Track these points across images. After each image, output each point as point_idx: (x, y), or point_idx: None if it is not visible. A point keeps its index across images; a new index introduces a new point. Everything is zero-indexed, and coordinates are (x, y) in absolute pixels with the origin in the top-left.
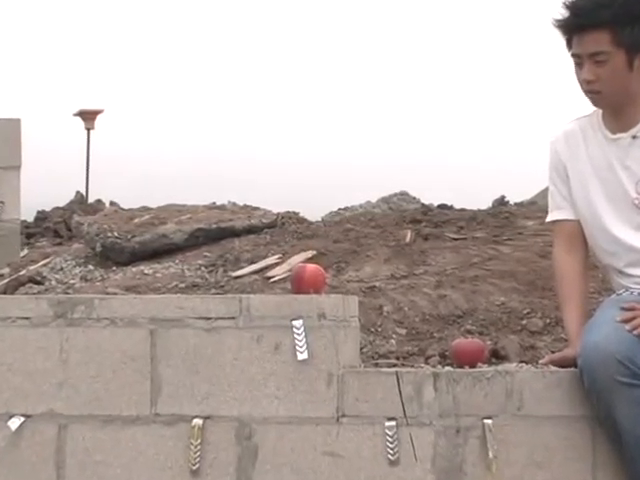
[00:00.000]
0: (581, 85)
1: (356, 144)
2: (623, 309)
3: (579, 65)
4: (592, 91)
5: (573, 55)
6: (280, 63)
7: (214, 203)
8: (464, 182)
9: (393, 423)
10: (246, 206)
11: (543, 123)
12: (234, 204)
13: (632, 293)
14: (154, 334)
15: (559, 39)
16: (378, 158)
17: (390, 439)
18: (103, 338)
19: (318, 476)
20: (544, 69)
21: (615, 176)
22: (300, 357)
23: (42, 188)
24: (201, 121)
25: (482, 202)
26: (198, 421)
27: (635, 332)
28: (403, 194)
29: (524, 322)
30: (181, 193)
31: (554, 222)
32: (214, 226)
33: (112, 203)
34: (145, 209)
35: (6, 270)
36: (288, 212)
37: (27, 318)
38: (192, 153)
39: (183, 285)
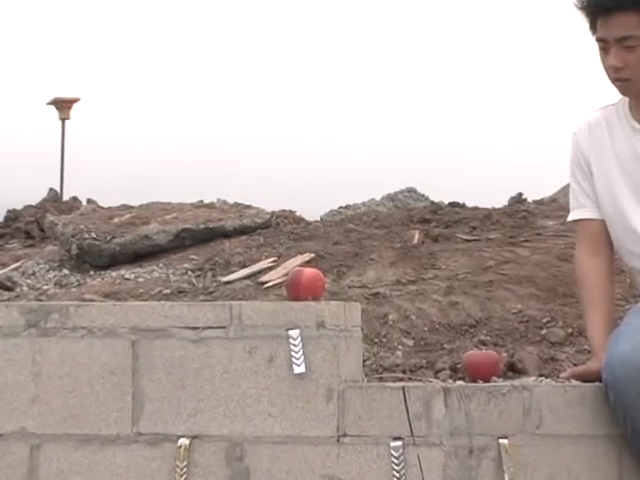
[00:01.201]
0: (607, 72)
1: (358, 135)
2: None
3: (605, 50)
4: (619, 79)
5: (598, 40)
6: (276, 52)
7: (202, 201)
8: (477, 178)
9: (399, 443)
10: (237, 204)
11: (565, 112)
12: (224, 202)
13: None
14: (136, 345)
15: (582, 21)
16: (383, 151)
17: (396, 461)
18: (79, 350)
19: None
20: (566, 53)
21: None
22: (297, 370)
23: (12, 184)
24: (188, 110)
25: (497, 200)
26: (184, 441)
27: None
28: (410, 191)
29: (544, 332)
30: (165, 190)
31: (576, 222)
32: (202, 226)
33: (89, 201)
34: (126, 207)
35: None
36: (283, 211)
37: None
38: (178, 146)
39: (168, 291)
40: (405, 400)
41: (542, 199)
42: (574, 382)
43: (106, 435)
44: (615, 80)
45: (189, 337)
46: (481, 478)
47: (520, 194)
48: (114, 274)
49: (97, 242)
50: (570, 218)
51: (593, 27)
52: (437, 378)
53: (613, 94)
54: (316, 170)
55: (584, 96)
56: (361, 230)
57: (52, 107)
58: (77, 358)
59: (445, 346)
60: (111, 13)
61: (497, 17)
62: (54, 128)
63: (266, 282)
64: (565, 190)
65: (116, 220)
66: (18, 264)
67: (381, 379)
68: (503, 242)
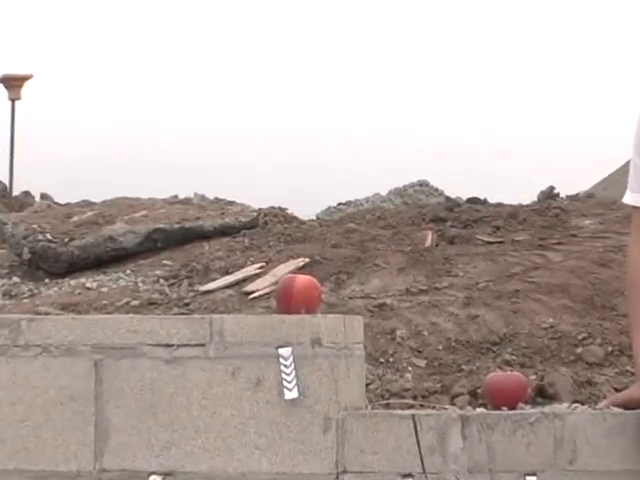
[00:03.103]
0: None
1: (361, 119)
2: None
3: None
4: None
5: None
6: (267, 38)
7: (176, 196)
8: (501, 169)
9: None
10: (218, 200)
11: (604, 93)
12: (202, 197)
13: None
14: (99, 366)
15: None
16: (390, 138)
17: None
18: (33, 371)
19: None
20: (608, 24)
21: None
22: (288, 396)
23: None
24: (161, 92)
25: (525, 195)
26: (156, 478)
27: None
28: (422, 184)
29: (579, 350)
30: (134, 183)
31: (634, 208)
32: (176, 226)
33: (44, 196)
34: (87, 204)
35: None
36: (272, 208)
37: None
38: (149, 133)
39: (136, 302)
40: (416, 431)
41: (577, 194)
42: (615, 409)
43: (65, 472)
44: None
45: (162, 356)
46: None
47: (552, 188)
48: (73, 282)
49: (53, 245)
50: (626, 200)
51: None
52: (454, 405)
53: None
54: (310, 158)
55: (626, 75)
56: (364, 230)
57: (0, 86)
58: (31, 381)
59: (463, 367)
60: None
61: None
62: (2, 110)
63: (252, 292)
64: (604, 183)
65: (75, 219)
66: None
67: (388, 406)
68: (531, 245)
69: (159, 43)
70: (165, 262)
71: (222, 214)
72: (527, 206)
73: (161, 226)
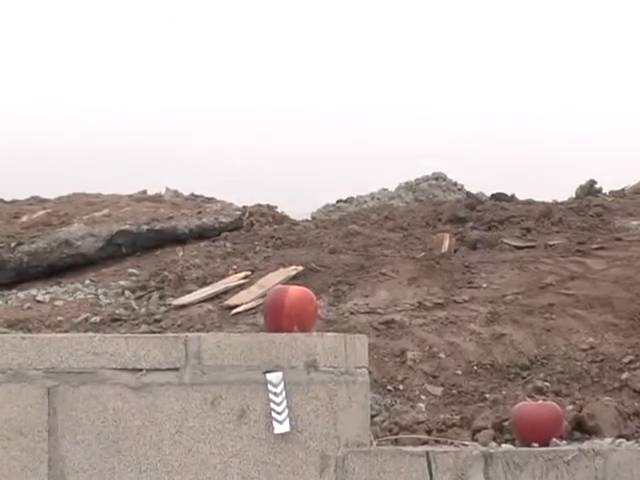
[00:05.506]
0: None
1: (365, 100)
2: None
3: None
4: None
5: None
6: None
7: (145, 192)
8: (532, 160)
9: None
10: (194, 197)
11: None
12: (175, 193)
13: None
14: (53, 394)
15: None
16: (400, 121)
17: None
18: None
19: None
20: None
21: None
22: (279, 429)
23: None
24: (125, 69)
25: (561, 190)
26: None
27: None
28: (438, 178)
29: (625, 376)
30: (94, 177)
31: None
32: (144, 227)
33: None
34: (37, 201)
35: None
36: (259, 206)
37: None
38: (112, 117)
39: (97, 319)
40: (430, 471)
41: (623, 189)
42: None
43: None
44: None
45: (128, 383)
46: None
47: (592, 183)
48: (22, 295)
49: None
50: None
51: None
52: (475, 440)
53: None
54: (304, 147)
55: None
56: (368, 233)
57: None
58: None
59: (486, 396)
60: None
61: None
62: None
63: (235, 306)
64: None
65: (24, 219)
66: None
67: (397, 442)
68: (568, 250)
69: (115, 22)
70: (131, 271)
71: (199, 213)
72: (563, 204)
73: (126, 228)
